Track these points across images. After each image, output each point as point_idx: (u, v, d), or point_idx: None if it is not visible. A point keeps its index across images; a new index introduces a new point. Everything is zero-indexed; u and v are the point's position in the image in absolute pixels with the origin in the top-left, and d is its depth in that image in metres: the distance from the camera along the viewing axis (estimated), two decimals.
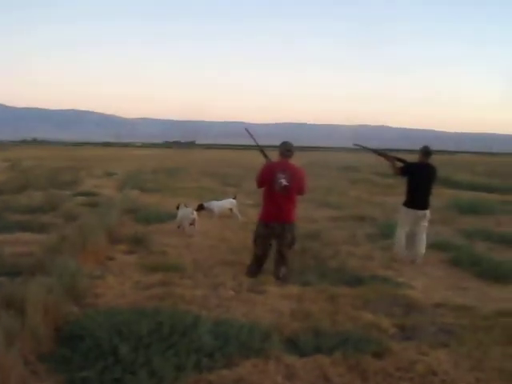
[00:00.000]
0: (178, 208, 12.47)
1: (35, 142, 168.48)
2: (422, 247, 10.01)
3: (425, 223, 10.07)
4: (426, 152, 10.11)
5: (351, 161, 46.29)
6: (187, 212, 12.08)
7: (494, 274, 8.92)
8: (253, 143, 9.90)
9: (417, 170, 10.05)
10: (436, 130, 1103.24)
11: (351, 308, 6.86)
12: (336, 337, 5.67)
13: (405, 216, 10.11)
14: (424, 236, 10.07)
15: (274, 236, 8.42)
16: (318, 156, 61.65)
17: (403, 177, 10.18)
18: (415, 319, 6.59)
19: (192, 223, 11.97)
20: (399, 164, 10.21)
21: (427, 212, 10.05)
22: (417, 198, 10.01)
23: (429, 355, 5.35)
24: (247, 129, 10.26)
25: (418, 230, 10.05)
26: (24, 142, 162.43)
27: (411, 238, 10.12)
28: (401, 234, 10.10)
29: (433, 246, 11.02)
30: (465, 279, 8.95)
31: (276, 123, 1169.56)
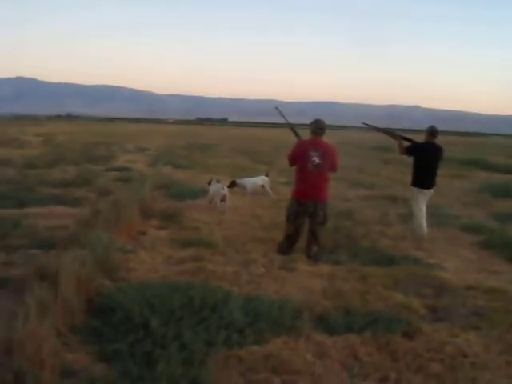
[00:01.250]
0: (209, 184, 12.47)
1: (69, 117, 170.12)
2: (424, 223, 10.05)
3: (427, 201, 10.14)
4: (433, 132, 10.06)
5: (383, 140, 45.81)
6: (218, 188, 12.07)
7: None
8: (284, 121, 9.89)
9: (423, 150, 9.99)
10: (468, 111, 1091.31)
11: (382, 288, 6.84)
12: (366, 316, 5.68)
13: (418, 196, 10.03)
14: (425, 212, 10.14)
15: (306, 214, 8.42)
16: (350, 135, 61.29)
17: (409, 156, 10.14)
18: (446, 301, 6.55)
19: (223, 199, 11.94)
20: (406, 143, 10.19)
21: (432, 191, 10.09)
22: (424, 178, 9.99)
23: (459, 337, 5.34)
24: (277, 107, 10.23)
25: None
26: (58, 117, 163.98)
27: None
28: (420, 216, 10.01)
29: (465, 228, 11.00)
30: (497, 262, 8.85)
31: (308, 101, 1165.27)
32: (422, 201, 10.00)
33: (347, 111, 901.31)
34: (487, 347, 5.14)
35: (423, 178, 9.96)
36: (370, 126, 11.29)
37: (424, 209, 10.03)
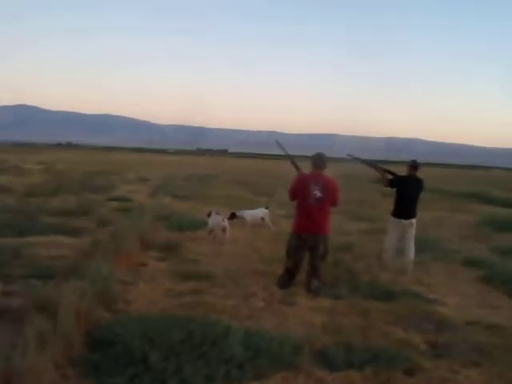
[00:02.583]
0: (209, 215, 12.44)
1: (69, 146, 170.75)
2: (411, 253, 10.31)
3: (412, 231, 10.35)
4: (414, 166, 10.48)
5: None
6: (218, 220, 12.07)
7: None
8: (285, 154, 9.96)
9: (405, 183, 10.38)
10: (468, 144, 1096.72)
11: (383, 323, 6.82)
12: (367, 352, 5.64)
13: (394, 226, 10.40)
14: (412, 244, 10.34)
15: (306, 248, 8.41)
16: (349, 168, 61.44)
17: (391, 188, 10.50)
18: (447, 337, 6.50)
19: (223, 231, 11.93)
20: (389, 176, 10.58)
21: (413, 221, 10.33)
22: (404, 209, 10.32)
23: (460, 374, 5.31)
24: (278, 141, 10.28)
25: (406, 238, 10.32)
26: (59, 146, 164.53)
27: (401, 246, 10.43)
28: (390, 244, 10.42)
29: (466, 262, 10.96)
30: (497, 297, 8.81)
31: (308, 133, 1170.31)
32: (395, 231, 10.34)
33: (347, 143, 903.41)
34: None
35: (404, 208, 10.31)
36: (355, 157, 11.49)
37: (395, 239, 10.37)
